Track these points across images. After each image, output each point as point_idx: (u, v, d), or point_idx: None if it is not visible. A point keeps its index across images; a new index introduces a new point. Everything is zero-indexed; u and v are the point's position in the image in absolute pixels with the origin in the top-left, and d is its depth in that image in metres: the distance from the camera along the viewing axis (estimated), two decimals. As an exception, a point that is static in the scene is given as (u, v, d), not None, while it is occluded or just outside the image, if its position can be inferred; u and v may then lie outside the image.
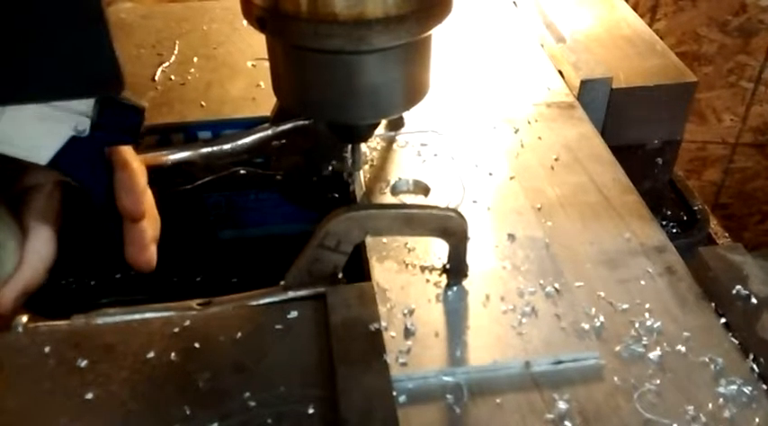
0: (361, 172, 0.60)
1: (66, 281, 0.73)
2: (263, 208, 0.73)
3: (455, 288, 0.50)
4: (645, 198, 0.61)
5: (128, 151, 0.51)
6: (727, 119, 1.64)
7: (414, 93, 0.48)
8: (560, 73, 0.74)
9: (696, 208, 0.80)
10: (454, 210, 0.47)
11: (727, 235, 0.86)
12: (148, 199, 0.53)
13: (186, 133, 0.66)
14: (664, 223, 0.81)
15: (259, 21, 0.44)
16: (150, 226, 0.53)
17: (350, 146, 0.57)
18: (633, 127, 0.73)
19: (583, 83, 0.69)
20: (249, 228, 0.74)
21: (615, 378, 0.45)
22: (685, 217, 0.81)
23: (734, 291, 0.48)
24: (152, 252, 0.53)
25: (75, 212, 0.55)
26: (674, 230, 0.80)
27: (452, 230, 0.47)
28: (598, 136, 0.66)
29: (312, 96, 0.47)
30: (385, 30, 0.42)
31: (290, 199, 0.70)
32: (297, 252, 0.76)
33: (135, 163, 0.51)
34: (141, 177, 0.52)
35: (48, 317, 0.70)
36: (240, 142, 0.65)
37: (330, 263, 0.48)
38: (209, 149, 0.65)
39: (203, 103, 0.68)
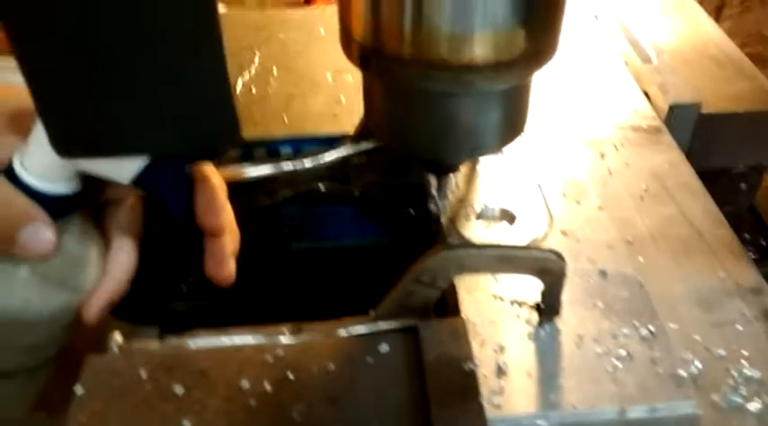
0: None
1: (140, 286, 0.74)
2: (337, 221, 0.73)
3: (547, 327, 0.49)
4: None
5: (208, 167, 0.51)
6: (791, 126, 1.59)
7: (511, 131, 0.47)
8: (645, 94, 0.72)
9: (777, 234, 0.77)
10: (553, 251, 0.46)
11: (805, 261, 0.83)
12: (228, 214, 0.54)
13: (269, 148, 0.67)
14: (742, 248, 0.79)
15: (363, 60, 0.43)
16: (230, 240, 0.53)
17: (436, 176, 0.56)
18: (719, 152, 0.71)
19: (671, 108, 0.67)
20: (323, 240, 0.74)
21: (714, 431, 0.44)
22: (764, 242, 0.79)
23: (838, 344, 0.47)
24: (231, 266, 0.53)
25: (155, 222, 0.56)
26: (752, 256, 0.78)
27: (550, 270, 0.46)
28: (687, 164, 0.64)
29: (407, 133, 0.47)
30: (494, 75, 0.41)
31: (367, 214, 0.70)
32: (369, 265, 0.76)
33: (215, 179, 0.51)
34: (221, 193, 0.52)
35: (121, 319, 0.71)
36: (321, 159, 0.65)
37: (423, 297, 0.48)
38: (291, 166, 0.65)
39: (285, 119, 0.68)
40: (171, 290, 0.72)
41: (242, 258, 0.61)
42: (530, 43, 0.42)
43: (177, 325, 0.71)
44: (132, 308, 0.63)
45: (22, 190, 0.45)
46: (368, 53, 0.43)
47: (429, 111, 0.44)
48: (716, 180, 0.73)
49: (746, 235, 0.79)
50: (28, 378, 0.53)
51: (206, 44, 0.33)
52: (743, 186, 0.73)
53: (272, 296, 0.74)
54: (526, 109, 0.47)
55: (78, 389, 0.45)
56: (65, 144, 0.36)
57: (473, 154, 0.48)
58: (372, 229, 0.72)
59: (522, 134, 0.49)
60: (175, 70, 0.34)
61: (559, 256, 0.46)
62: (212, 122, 0.36)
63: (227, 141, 0.39)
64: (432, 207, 0.57)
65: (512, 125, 0.47)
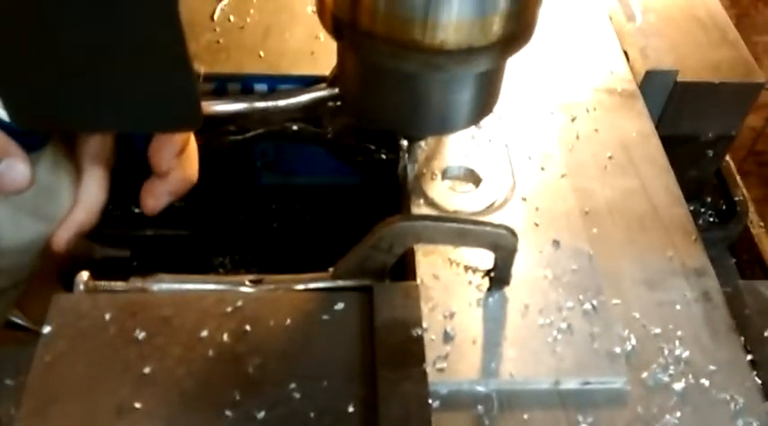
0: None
1: (110, 207, 0.75)
2: (309, 159, 0.73)
3: (496, 295, 0.51)
4: (688, 184, 0.61)
5: None
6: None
7: (481, 110, 0.48)
8: (625, 53, 0.72)
9: (737, 199, 0.80)
10: (507, 228, 0.48)
11: (762, 224, 0.86)
12: (184, 159, 0.54)
13: (243, 84, 0.66)
14: (702, 210, 0.82)
15: (336, 31, 0.43)
16: (174, 181, 0.53)
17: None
18: (690, 119, 0.72)
19: (648, 73, 0.67)
20: (294, 177, 0.75)
21: (638, 407, 0.47)
22: (724, 206, 0.81)
23: (766, 333, 0.50)
24: (160, 203, 0.53)
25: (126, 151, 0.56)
26: (711, 219, 0.81)
27: (503, 246, 0.48)
28: (656, 135, 0.65)
29: (376, 106, 0.47)
30: (466, 60, 0.41)
31: (339, 156, 0.71)
32: (338, 203, 0.77)
33: None
34: (179, 137, 0.52)
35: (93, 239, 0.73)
36: (295, 100, 0.65)
37: (380, 262, 0.50)
38: (264, 104, 0.65)
39: (261, 53, 0.67)
40: (141, 216, 0.73)
41: (212, 190, 0.62)
42: (504, 29, 0.42)
43: (146, 252, 0.73)
44: (104, 231, 0.65)
45: None
46: (341, 25, 0.42)
47: (399, 89, 0.45)
48: (683, 145, 0.74)
49: (708, 199, 0.82)
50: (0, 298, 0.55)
51: (166, 31, 0.33)
52: (709, 153, 0.75)
53: (241, 228, 0.76)
54: (498, 89, 0.48)
55: (45, 328, 0.47)
56: (22, 117, 0.36)
57: (441, 131, 0.49)
58: (344, 169, 0.73)
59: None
60: (136, 56, 0.34)
61: (512, 233, 0.48)
62: (174, 108, 0.37)
63: (187, 127, 0.39)
64: (400, 169, 0.58)
65: (482, 105, 0.47)
